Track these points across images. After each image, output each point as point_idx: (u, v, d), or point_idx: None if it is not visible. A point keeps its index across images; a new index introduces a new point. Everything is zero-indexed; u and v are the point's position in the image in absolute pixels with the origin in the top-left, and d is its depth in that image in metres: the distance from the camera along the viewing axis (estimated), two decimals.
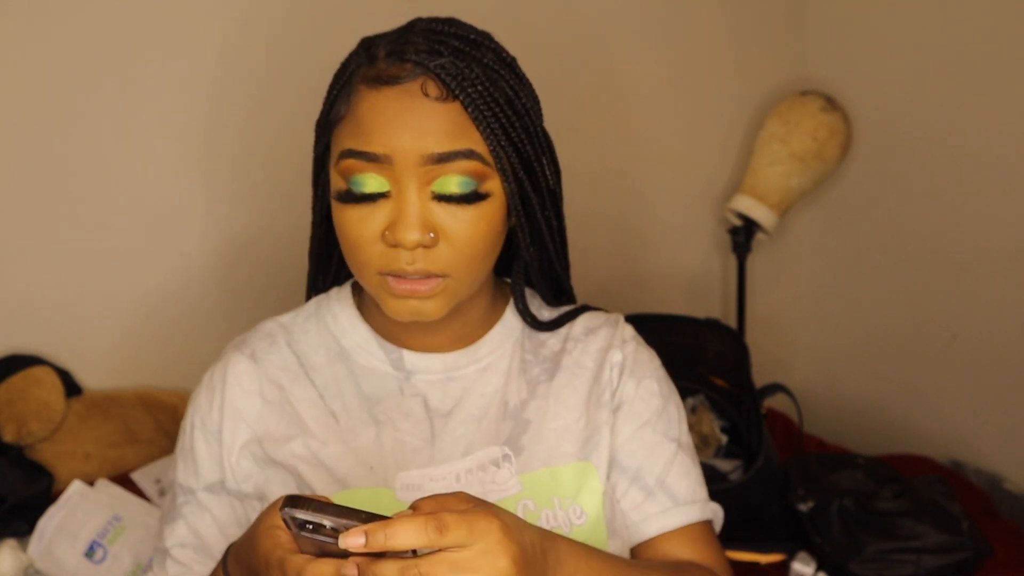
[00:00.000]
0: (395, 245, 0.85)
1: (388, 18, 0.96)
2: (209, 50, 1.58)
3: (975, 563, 1.46)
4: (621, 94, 1.95)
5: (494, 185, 0.88)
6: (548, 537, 0.77)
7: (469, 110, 0.85)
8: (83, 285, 1.59)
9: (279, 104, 1.62)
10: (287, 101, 1.59)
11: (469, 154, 0.85)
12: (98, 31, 1.51)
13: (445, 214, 0.86)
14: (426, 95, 0.85)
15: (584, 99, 1.91)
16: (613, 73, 1.93)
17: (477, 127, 0.86)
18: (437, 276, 0.87)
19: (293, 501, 0.67)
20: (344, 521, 0.66)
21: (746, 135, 2.07)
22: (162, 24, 1.54)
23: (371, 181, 0.86)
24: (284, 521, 0.69)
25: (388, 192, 0.86)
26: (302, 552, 0.72)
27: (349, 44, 0.93)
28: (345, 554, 0.68)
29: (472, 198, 0.86)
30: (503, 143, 0.87)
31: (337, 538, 0.67)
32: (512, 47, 0.93)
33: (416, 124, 0.84)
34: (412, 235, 0.84)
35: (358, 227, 0.87)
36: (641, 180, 2.02)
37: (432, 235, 0.85)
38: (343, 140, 0.87)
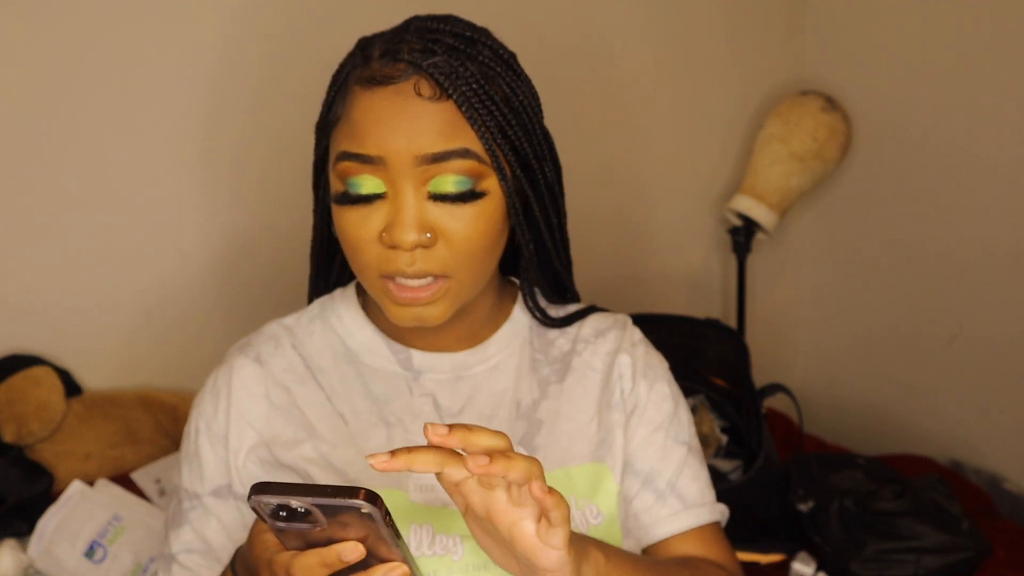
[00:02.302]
0: (393, 246, 0.85)
1: (389, 16, 0.96)
2: (209, 49, 1.58)
3: (975, 563, 1.46)
4: (621, 94, 1.95)
5: (491, 183, 0.87)
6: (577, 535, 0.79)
7: (463, 109, 0.84)
8: (83, 285, 1.59)
9: (280, 103, 1.62)
10: (288, 100, 1.59)
11: (464, 153, 0.85)
12: (98, 31, 1.51)
13: (442, 213, 0.85)
14: (419, 95, 0.84)
15: (584, 99, 1.91)
16: (613, 73, 1.93)
17: (471, 125, 0.85)
18: (438, 278, 0.86)
19: (258, 488, 0.66)
20: (310, 499, 0.65)
21: (746, 135, 2.07)
22: (162, 23, 1.54)
23: (367, 183, 0.85)
24: (255, 511, 0.68)
25: (384, 193, 0.85)
26: (288, 549, 0.71)
27: (350, 42, 0.93)
28: (328, 540, 0.68)
29: (468, 197, 0.85)
30: (499, 141, 0.87)
31: (314, 524, 0.67)
32: (513, 46, 0.93)
33: (409, 125, 0.84)
34: (409, 236, 0.84)
35: (356, 229, 0.86)
36: (641, 180, 2.02)
37: (429, 235, 0.85)
38: (339, 142, 0.87)
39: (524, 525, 0.71)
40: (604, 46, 1.90)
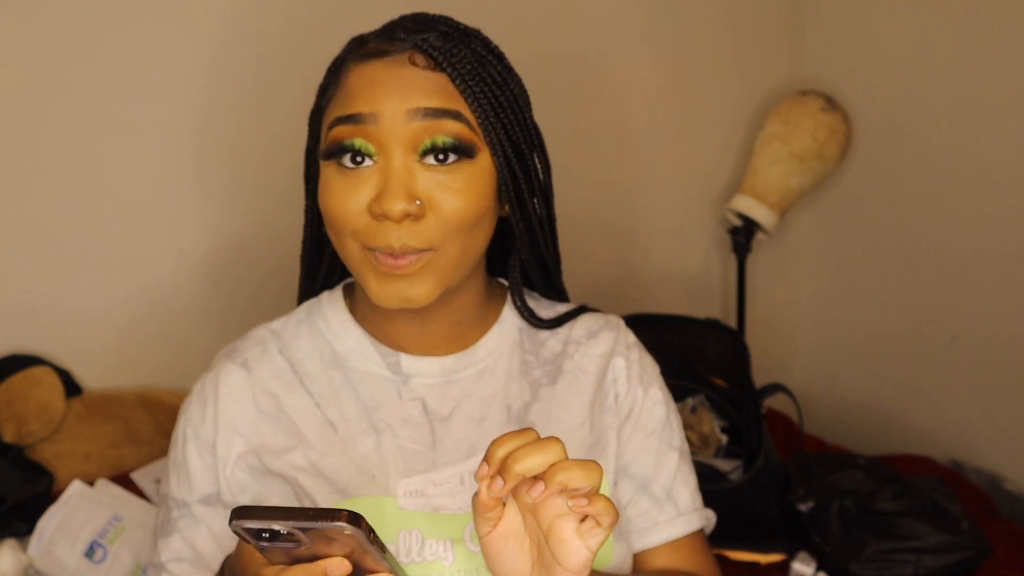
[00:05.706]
0: (381, 216, 0.83)
1: (384, 17, 0.96)
2: (205, 49, 1.58)
3: (975, 563, 1.46)
4: (621, 95, 1.95)
5: (483, 156, 0.86)
6: None
7: (456, 82, 0.84)
8: (83, 285, 1.59)
9: (276, 102, 1.62)
10: (284, 99, 1.58)
11: (456, 115, 0.84)
12: (96, 32, 1.51)
13: (432, 182, 0.84)
14: (414, 64, 0.84)
15: (584, 100, 1.91)
16: (613, 74, 1.93)
17: (465, 98, 0.84)
18: (423, 251, 0.84)
19: (239, 513, 0.66)
20: (292, 522, 0.65)
21: (746, 135, 2.07)
22: (159, 24, 1.54)
23: (358, 143, 0.84)
24: (237, 534, 0.67)
25: (374, 158, 0.84)
26: (273, 564, 0.70)
27: (344, 41, 0.93)
28: (313, 557, 0.68)
29: (460, 152, 0.84)
30: (491, 119, 0.86)
31: (298, 543, 0.66)
32: (510, 46, 0.93)
33: (403, 84, 0.83)
34: (398, 205, 0.82)
35: (343, 200, 0.84)
36: (641, 180, 2.02)
37: (419, 203, 0.83)
38: (331, 113, 0.87)
39: (568, 519, 0.72)
40: (604, 47, 1.90)
